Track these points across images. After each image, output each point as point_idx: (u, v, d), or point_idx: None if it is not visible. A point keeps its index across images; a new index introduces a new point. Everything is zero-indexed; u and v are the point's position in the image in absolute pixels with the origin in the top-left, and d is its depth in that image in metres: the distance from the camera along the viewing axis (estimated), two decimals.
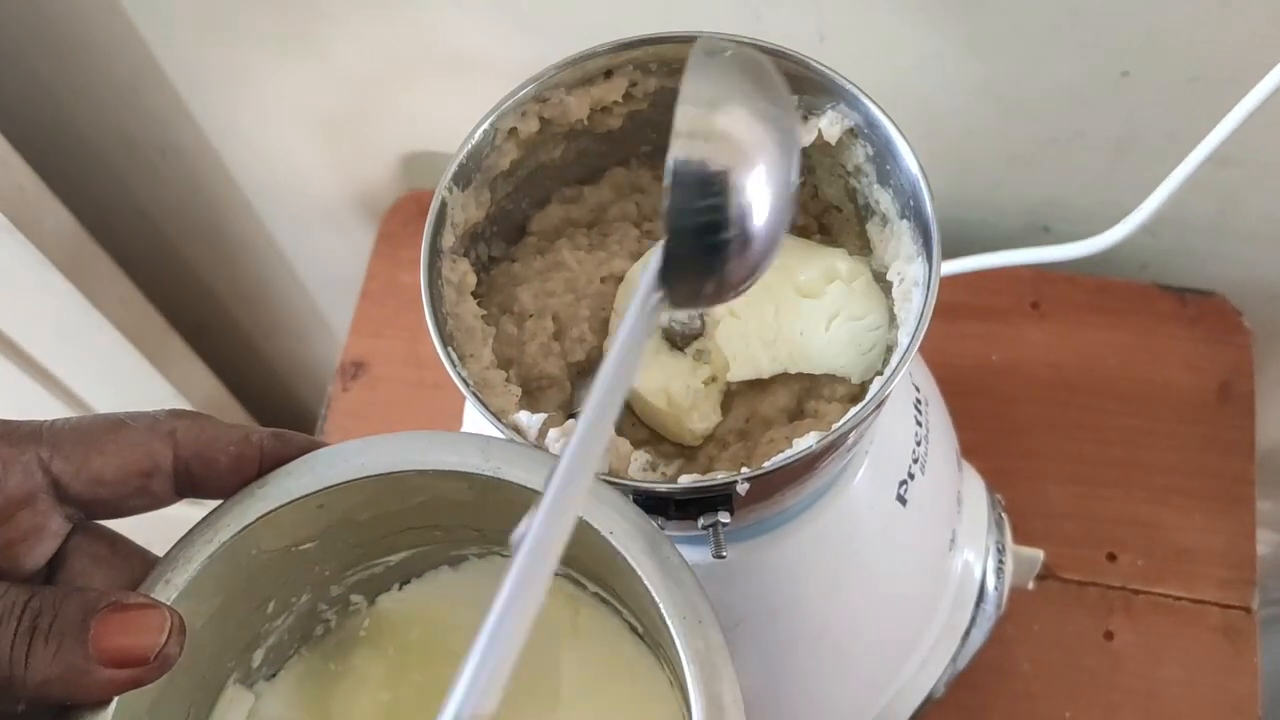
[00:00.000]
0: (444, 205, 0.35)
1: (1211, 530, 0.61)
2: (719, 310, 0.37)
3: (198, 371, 0.92)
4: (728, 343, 0.36)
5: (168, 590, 0.29)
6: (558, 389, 0.38)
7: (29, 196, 0.72)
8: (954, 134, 0.63)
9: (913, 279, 0.34)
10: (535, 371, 0.37)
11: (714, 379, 0.36)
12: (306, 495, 0.30)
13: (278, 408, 1.07)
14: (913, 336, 0.31)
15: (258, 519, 0.30)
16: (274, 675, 0.37)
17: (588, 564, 0.34)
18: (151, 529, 0.33)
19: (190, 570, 0.29)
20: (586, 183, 0.41)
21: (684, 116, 0.25)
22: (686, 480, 0.31)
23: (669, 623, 0.27)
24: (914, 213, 0.34)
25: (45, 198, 0.73)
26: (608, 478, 0.31)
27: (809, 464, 0.32)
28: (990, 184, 0.67)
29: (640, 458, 0.34)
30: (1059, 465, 0.63)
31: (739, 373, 0.36)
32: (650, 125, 0.39)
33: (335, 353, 0.71)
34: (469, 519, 0.34)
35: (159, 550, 0.31)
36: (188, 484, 0.29)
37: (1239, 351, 0.65)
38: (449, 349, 0.32)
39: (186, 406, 0.88)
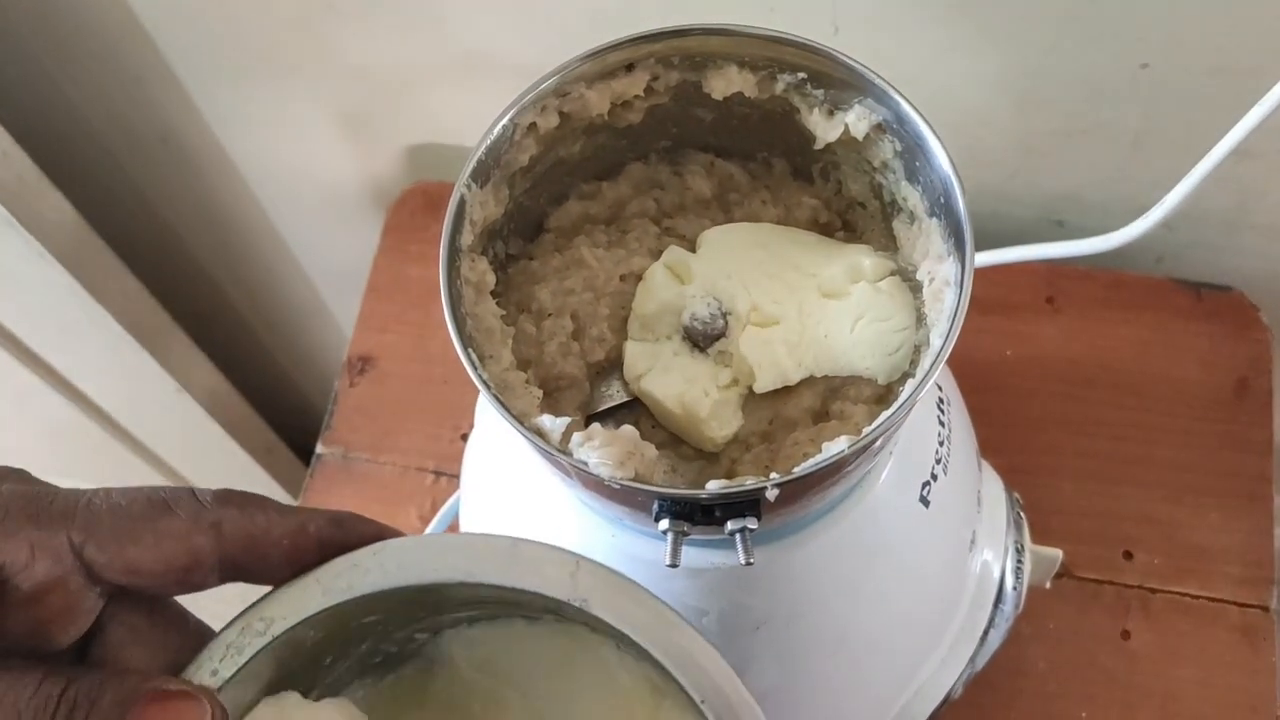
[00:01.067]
0: (463, 202, 0.34)
1: (1229, 529, 0.61)
2: (741, 319, 0.36)
3: (200, 365, 0.92)
4: (751, 352, 0.35)
5: (215, 681, 0.27)
6: (576, 389, 0.37)
7: (29, 188, 0.71)
8: (968, 126, 0.63)
9: (944, 278, 0.33)
10: (554, 371, 0.37)
11: (736, 382, 0.35)
12: (372, 594, 0.28)
13: (281, 400, 1.06)
14: (946, 338, 0.31)
15: (318, 612, 0.28)
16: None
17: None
18: None
19: (240, 660, 0.28)
20: (605, 178, 0.40)
21: None
22: (715, 486, 0.30)
23: None
24: (944, 210, 0.33)
25: (46, 189, 0.72)
26: (635, 484, 0.30)
27: (838, 467, 0.31)
28: (1004, 176, 0.66)
29: (661, 463, 0.33)
30: (1074, 462, 0.63)
31: (765, 383, 0.35)
32: (671, 120, 0.38)
33: (340, 345, 0.70)
34: (552, 606, 0.32)
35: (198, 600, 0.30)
36: (234, 574, 0.28)
37: (1256, 348, 0.64)
38: (469, 351, 0.32)
39: (189, 400, 0.87)
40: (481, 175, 0.35)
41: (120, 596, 0.27)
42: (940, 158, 0.32)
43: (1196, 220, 0.65)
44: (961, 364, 0.51)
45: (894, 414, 0.30)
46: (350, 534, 0.28)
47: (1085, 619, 0.59)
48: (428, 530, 0.61)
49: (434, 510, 0.63)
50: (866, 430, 0.30)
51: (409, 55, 0.66)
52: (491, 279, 0.35)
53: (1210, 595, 0.59)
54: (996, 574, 0.50)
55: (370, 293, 0.70)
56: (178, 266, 0.93)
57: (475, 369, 0.31)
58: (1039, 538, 0.54)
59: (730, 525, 0.31)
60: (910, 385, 0.31)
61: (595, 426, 0.31)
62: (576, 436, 0.31)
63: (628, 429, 0.31)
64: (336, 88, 0.70)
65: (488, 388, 0.31)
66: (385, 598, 0.28)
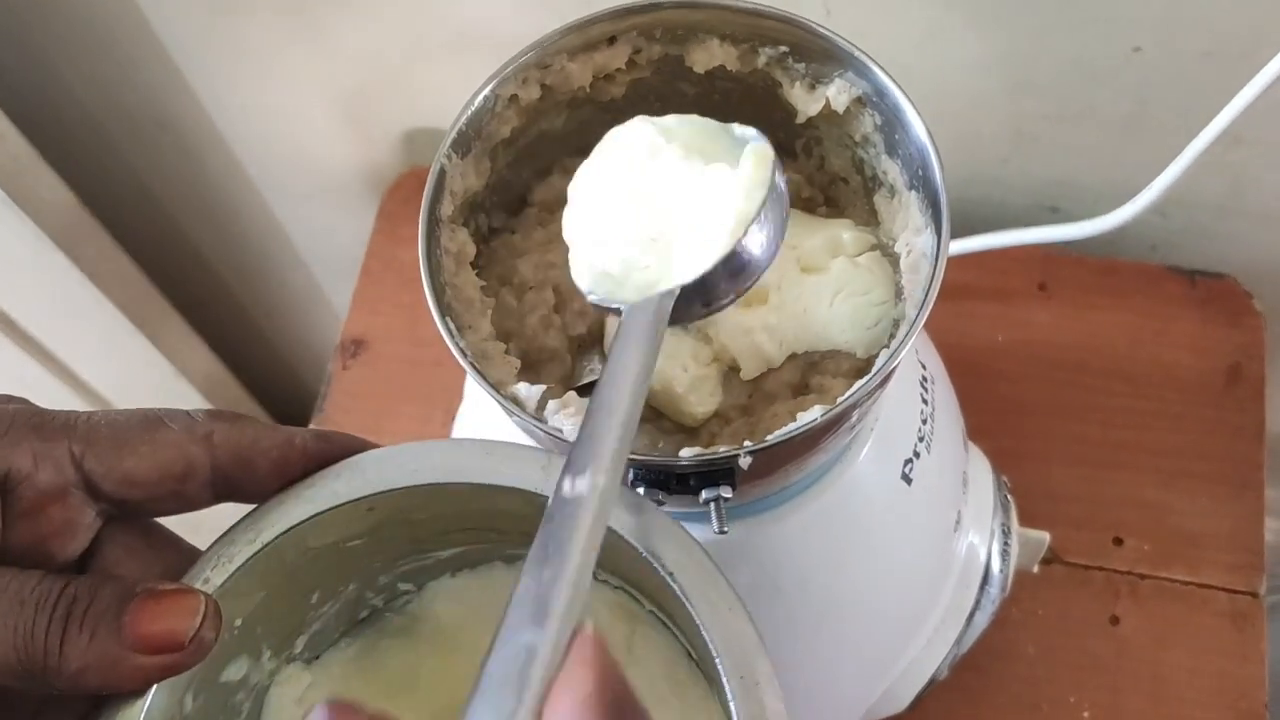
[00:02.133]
0: (443, 173, 0.34)
1: (1219, 514, 0.61)
2: None
3: (197, 349, 0.92)
4: (733, 341, 0.35)
5: (206, 588, 0.28)
6: (558, 362, 0.37)
7: (25, 170, 0.71)
8: (960, 110, 0.63)
9: (920, 250, 0.33)
10: (535, 344, 0.37)
11: (716, 359, 0.35)
12: (355, 500, 0.29)
13: (278, 385, 1.07)
14: (920, 309, 0.31)
15: (303, 521, 0.29)
16: (316, 658, 0.36)
17: (647, 586, 0.33)
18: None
19: (230, 569, 0.29)
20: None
21: None
22: (688, 453, 0.30)
23: (725, 683, 0.27)
24: (922, 182, 0.33)
25: (42, 171, 0.72)
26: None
27: (813, 438, 0.31)
28: (997, 161, 0.66)
29: (641, 436, 0.33)
30: (1065, 447, 0.63)
31: (750, 370, 0.35)
32: (654, 94, 0.38)
33: (336, 330, 0.70)
34: (526, 527, 0.33)
35: (192, 537, 0.31)
36: (225, 488, 0.29)
37: (1249, 334, 0.64)
38: (447, 320, 0.32)
39: (186, 386, 0.88)
40: (462, 146, 0.35)
41: (116, 519, 0.29)
42: (918, 128, 0.32)
43: (1190, 206, 0.65)
44: (953, 349, 0.51)
45: (867, 383, 0.30)
46: (335, 447, 0.29)
47: (1074, 604, 0.59)
48: None
49: None
50: (840, 399, 0.30)
51: (405, 39, 0.66)
52: (471, 250, 0.35)
53: (1199, 581, 0.59)
54: (983, 556, 0.50)
55: (364, 275, 0.70)
56: (174, 250, 0.93)
57: (453, 338, 0.31)
58: (1028, 522, 0.55)
59: (704, 494, 0.31)
60: (884, 355, 0.31)
61: (571, 394, 0.31)
62: (552, 404, 0.31)
63: None
64: (332, 72, 0.70)
65: (464, 355, 0.31)
66: (371, 511, 0.29)
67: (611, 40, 0.36)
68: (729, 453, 0.30)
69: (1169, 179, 0.52)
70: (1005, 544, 0.51)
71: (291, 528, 0.29)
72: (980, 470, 0.51)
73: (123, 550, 0.28)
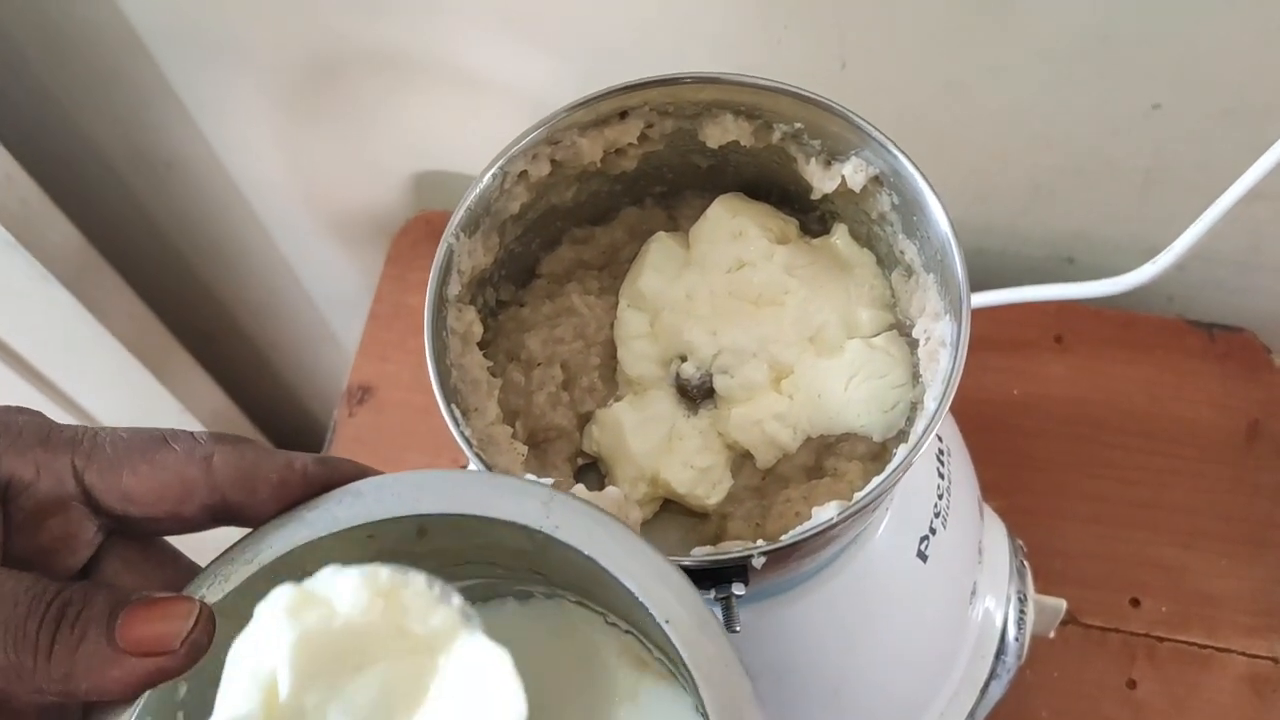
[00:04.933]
0: (450, 253, 0.33)
1: (1238, 575, 0.59)
2: (727, 395, 0.35)
3: (204, 385, 0.91)
4: (743, 434, 0.34)
5: None
6: (566, 440, 0.36)
7: (33, 211, 0.71)
8: (977, 161, 0.62)
9: (940, 338, 0.32)
10: (543, 422, 0.36)
11: (729, 447, 0.35)
12: (354, 526, 0.29)
13: (286, 422, 1.06)
14: (940, 403, 0.30)
15: (301, 544, 0.29)
16: None
17: (653, 635, 0.33)
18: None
19: (226, 588, 0.28)
20: (599, 223, 0.39)
21: None
22: (700, 553, 0.29)
23: None
24: (941, 267, 0.32)
25: (50, 212, 0.72)
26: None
27: (828, 534, 0.30)
28: (1014, 213, 0.65)
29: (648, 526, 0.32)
30: (1081, 505, 0.61)
31: (766, 460, 0.34)
32: (666, 166, 0.38)
33: (344, 367, 0.70)
34: (531, 564, 0.32)
35: (191, 552, 0.31)
36: (224, 511, 0.28)
37: (1268, 390, 0.63)
38: (452, 406, 0.31)
39: (193, 422, 0.87)
40: (470, 225, 0.34)
41: (117, 535, 0.29)
42: (940, 218, 0.32)
43: (1209, 260, 0.64)
44: (967, 403, 0.50)
45: (885, 480, 0.29)
46: (335, 472, 0.29)
47: (1090, 667, 0.58)
48: None
49: None
50: (857, 497, 0.29)
51: (415, 84, 0.66)
52: (479, 329, 0.34)
53: (1218, 645, 0.58)
54: (998, 625, 0.49)
55: (372, 321, 0.70)
56: (183, 288, 0.93)
57: (458, 425, 0.31)
58: (1043, 582, 0.53)
59: (716, 592, 0.30)
60: (903, 450, 0.30)
61: (579, 488, 0.31)
62: None
63: (612, 491, 0.31)
64: (341, 116, 0.70)
65: (469, 445, 0.30)
66: (370, 539, 0.29)
67: (623, 115, 0.35)
68: (741, 553, 0.29)
69: (1191, 239, 0.51)
70: (1021, 612, 0.50)
71: (289, 551, 0.28)
72: (996, 537, 0.50)
73: (122, 564, 0.29)
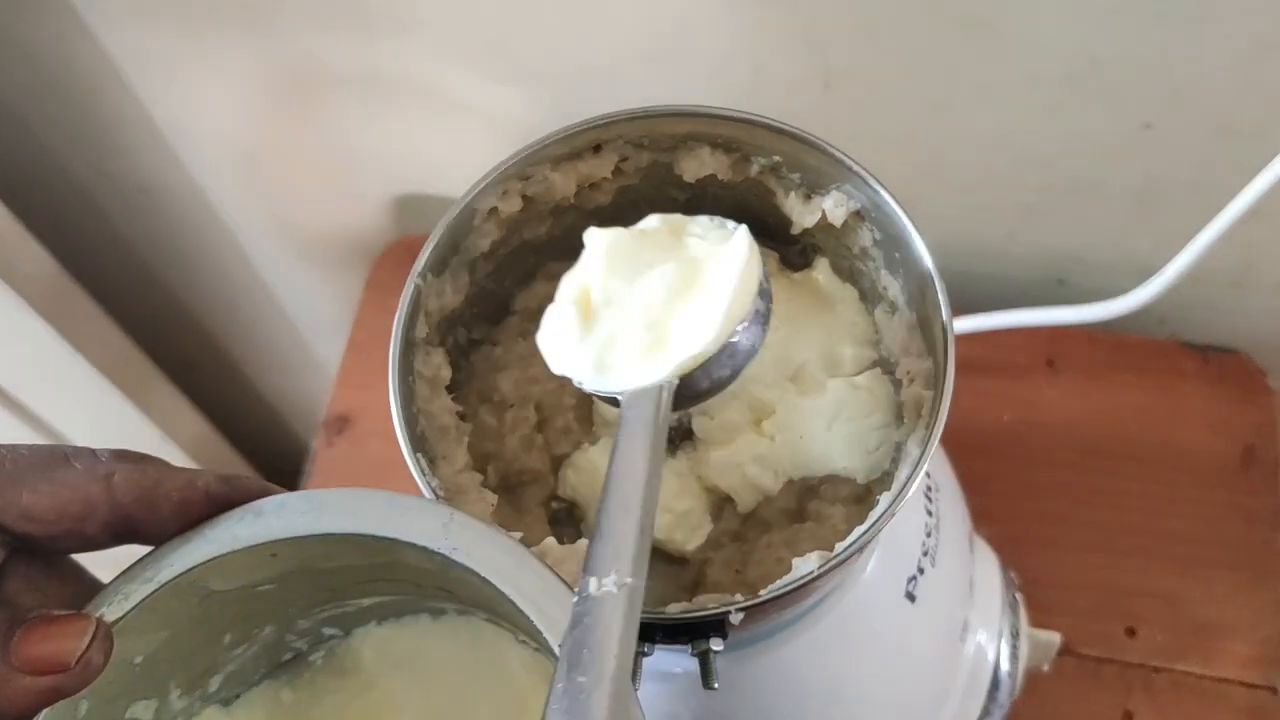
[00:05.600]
0: (417, 294, 0.32)
1: (1235, 604, 0.58)
2: (706, 437, 0.34)
3: (184, 412, 0.90)
4: (723, 477, 0.33)
5: None
6: (540, 484, 0.35)
7: (6, 241, 0.69)
8: (965, 183, 0.61)
9: (924, 379, 0.31)
10: (516, 466, 0.35)
11: (708, 490, 0.33)
12: (255, 545, 0.29)
13: (270, 444, 1.05)
14: (924, 448, 0.29)
15: (202, 563, 0.29)
16: (236, 698, 0.35)
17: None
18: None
19: (126, 606, 0.28)
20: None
21: None
22: (675, 610, 0.28)
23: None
24: (924, 305, 0.31)
25: (23, 240, 0.71)
26: None
27: (809, 587, 0.29)
28: (1003, 234, 0.64)
29: None
30: (1075, 532, 0.60)
31: (747, 504, 0.33)
32: (643, 199, 0.36)
33: (327, 389, 0.68)
34: (437, 582, 0.32)
35: (98, 569, 0.30)
36: (125, 529, 0.28)
37: (1263, 413, 0.62)
38: (418, 456, 0.30)
39: (174, 449, 0.86)
40: (438, 264, 0.33)
41: (19, 553, 0.28)
42: (922, 255, 0.30)
43: (1202, 281, 0.63)
44: (957, 429, 0.49)
45: (869, 530, 0.28)
46: (238, 490, 0.29)
47: (1086, 699, 0.57)
48: None
49: None
50: (839, 548, 0.28)
51: (394, 107, 0.65)
52: (447, 373, 0.33)
53: (1216, 675, 0.57)
54: (991, 660, 0.48)
55: (350, 350, 0.68)
56: (162, 314, 0.92)
57: (423, 475, 0.29)
58: (1037, 613, 0.52)
59: (693, 647, 0.29)
60: (887, 499, 0.29)
61: (549, 542, 0.29)
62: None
63: (584, 544, 0.29)
64: (320, 140, 0.69)
65: (435, 496, 0.29)
66: (274, 558, 0.29)
67: (597, 149, 0.34)
68: (719, 609, 0.28)
69: (1184, 262, 0.50)
70: (1014, 647, 0.49)
71: (190, 569, 0.29)
72: (987, 570, 0.48)
73: (23, 582, 0.28)
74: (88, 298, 0.77)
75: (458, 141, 0.66)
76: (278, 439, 1.06)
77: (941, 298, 0.29)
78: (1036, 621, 0.52)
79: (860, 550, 0.28)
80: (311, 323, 0.91)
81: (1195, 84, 0.51)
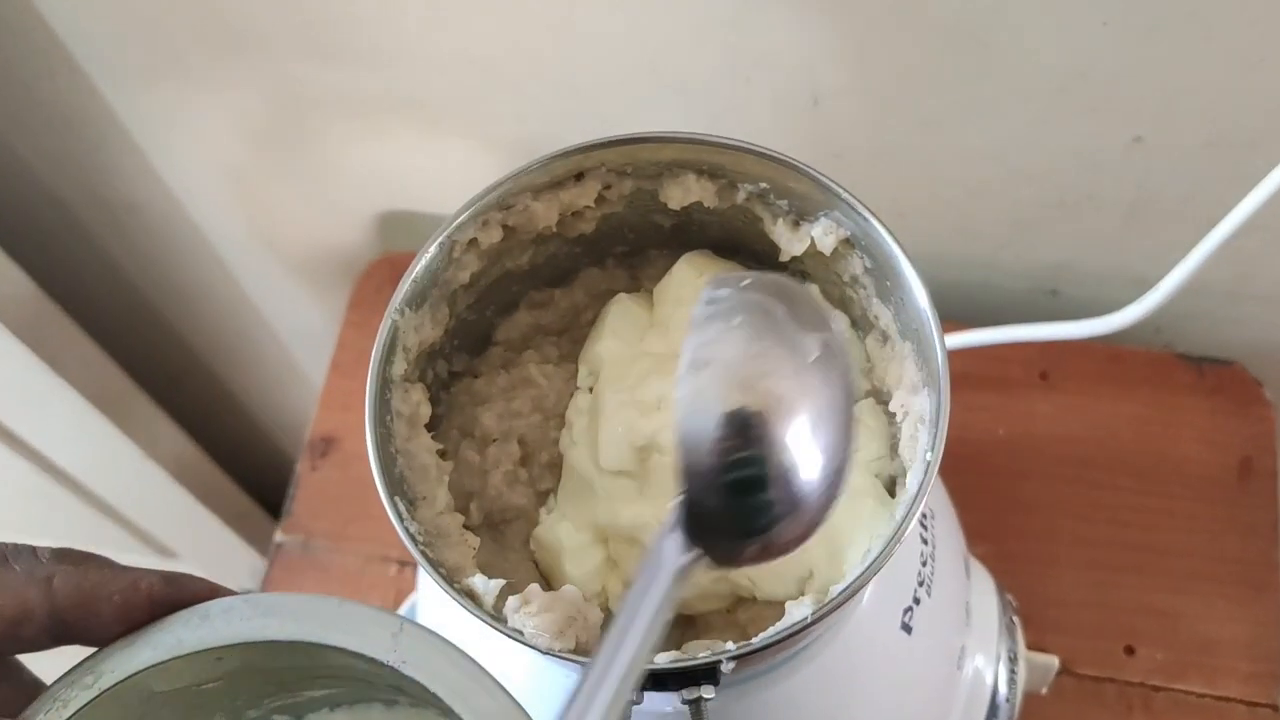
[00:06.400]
0: (394, 330, 0.31)
1: (1235, 620, 0.57)
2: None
3: (168, 431, 0.89)
4: None
5: None
6: (524, 521, 0.34)
7: None
8: (955, 197, 0.60)
9: (919, 414, 0.30)
10: (500, 504, 0.34)
11: None
12: (200, 650, 0.28)
13: (256, 463, 1.04)
14: (921, 485, 0.28)
15: (146, 668, 0.28)
16: None
17: None
18: None
19: (65, 713, 0.28)
20: (557, 285, 0.37)
21: (694, 345, 0.20)
22: (665, 659, 0.27)
23: None
24: (918, 337, 0.30)
25: (2, 265, 0.70)
26: (574, 658, 0.27)
27: (802, 633, 0.28)
28: (995, 246, 0.63)
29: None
30: (1071, 549, 0.59)
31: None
32: (627, 226, 0.35)
33: (314, 405, 0.67)
34: (389, 682, 0.32)
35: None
36: (65, 632, 0.28)
37: (1260, 425, 0.61)
38: (395, 500, 0.29)
39: (156, 469, 0.85)
40: (416, 299, 0.32)
41: None
42: (915, 286, 0.29)
43: (1197, 291, 0.62)
44: (950, 444, 0.48)
45: (864, 573, 0.27)
46: (183, 592, 0.29)
47: (1085, 719, 0.56)
48: None
49: (398, 602, 0.60)
50: (833, 591, 0.27)
51: (378, 124, 0.64)
52: (427, 411, 0.32)
53: (1216, 694, 0.56)
54: (988, 685, 0.47)
55: (334, 370, 0.67)
56: (146, 332, 0.91)
57: (401, 520, 0.28)
58: (1033, 631, 0.52)
59: (683, 695, 0.28)
60: (882, 541, 0.28)
61: (533, 588, 0.28)
62: (512, 601, 0.28)
63: (569, 590, 0.28)
64: (303, 156, 0.68)
65: (415, 543, 0.28)
66: (220, 661, 0.29)
67: (579, 177, 0.33)
68: (709, 658, 0.27)
69: (1181, 276, 0.49)
70: (1012, 671, 0.48)
71: (132, 674, 0.28)
72: (983, 594, 0.47)
73: None
74: (67, 319, 0.76)
75: (443, 157, 0.65)
76: (264, 456, 1.05)
77: (935, 329, 0.29)
78: (1033, 641, 0.52)
79: (856, 593, 0.27)
80: (298, 338, 0.90)
81: (1186, 96, 0.51)
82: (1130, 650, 0.57)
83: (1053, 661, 0.50)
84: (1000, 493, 0.61)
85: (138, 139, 0.69)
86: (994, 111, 0.53)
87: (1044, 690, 0.51)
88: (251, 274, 0.82)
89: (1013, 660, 0.48)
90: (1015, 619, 0.49)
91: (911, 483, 0.29)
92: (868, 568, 0.27)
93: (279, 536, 0.63)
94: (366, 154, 0.67)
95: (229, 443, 1.00)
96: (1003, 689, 0.47)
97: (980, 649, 0.46)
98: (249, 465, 1.02)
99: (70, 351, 0.78)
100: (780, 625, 0.27)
